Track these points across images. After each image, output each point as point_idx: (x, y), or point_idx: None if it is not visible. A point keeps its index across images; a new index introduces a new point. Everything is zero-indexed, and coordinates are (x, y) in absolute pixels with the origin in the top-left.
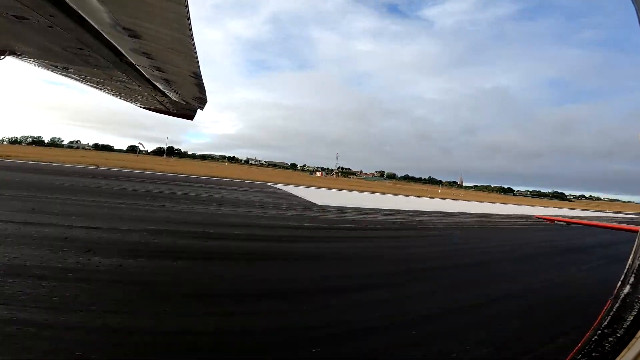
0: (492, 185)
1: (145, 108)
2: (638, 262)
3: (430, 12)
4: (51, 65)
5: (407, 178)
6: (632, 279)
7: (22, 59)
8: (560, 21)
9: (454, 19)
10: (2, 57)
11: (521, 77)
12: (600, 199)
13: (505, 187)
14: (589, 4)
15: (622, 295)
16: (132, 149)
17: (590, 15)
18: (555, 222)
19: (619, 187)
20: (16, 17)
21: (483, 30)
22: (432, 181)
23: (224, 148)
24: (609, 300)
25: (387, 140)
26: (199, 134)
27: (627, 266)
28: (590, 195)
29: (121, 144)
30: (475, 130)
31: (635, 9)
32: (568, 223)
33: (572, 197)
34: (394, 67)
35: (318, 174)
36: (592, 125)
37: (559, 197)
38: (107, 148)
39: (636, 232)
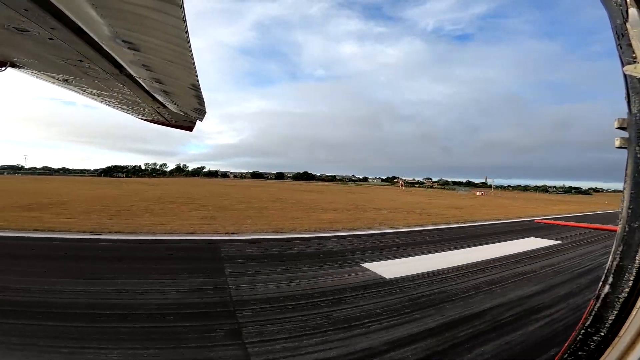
0: (521, 184)
1: (145, 120)
2: (616, 263)
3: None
4: (51, 77)
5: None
6: (611, 279)
7: (22, 71)
8: (573, 37)
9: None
10: (4, 68)
11: (528, 81)
12: (603, 189)
13: (527, 184)
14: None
15: (603, 295)
16: (279, 175)
17: (600, 32)
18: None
19: (606, 174)
20: (17, 29)
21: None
22: (469, 184)
23: (223, 157)
24: (592, 300)
25: (390, 143)
26: (199, 145)
27: (607, 266)
28: (596, 187)
29: (132, 159)
30: (479, 129)
31: (609, 16)
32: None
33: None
34: (388, 70)
35: (478, 192)
36: (588, 121)
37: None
38: (259, 175)
39: (615, 231)
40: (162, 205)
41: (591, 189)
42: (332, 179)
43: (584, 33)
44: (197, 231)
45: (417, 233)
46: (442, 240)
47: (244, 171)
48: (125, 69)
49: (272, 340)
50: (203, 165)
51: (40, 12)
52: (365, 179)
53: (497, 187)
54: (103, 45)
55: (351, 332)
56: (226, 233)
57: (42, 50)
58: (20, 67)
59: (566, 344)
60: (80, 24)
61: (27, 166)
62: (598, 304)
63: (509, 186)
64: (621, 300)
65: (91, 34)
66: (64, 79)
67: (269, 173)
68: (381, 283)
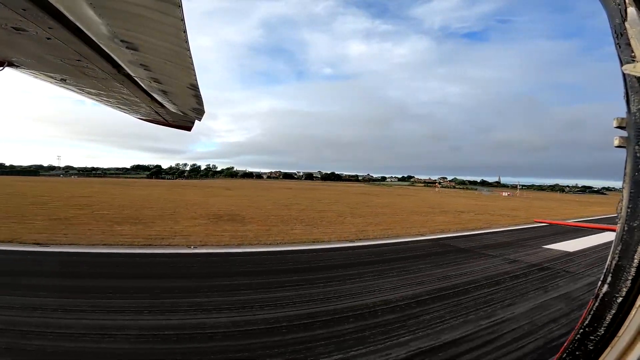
0: (532, 183)
1: (144, 120)
2: (615, 262)
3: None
4: (49, 76)
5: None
6: (609, 278)
7: (20, 70)
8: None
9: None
10: (1, 68)
11: (541, 82)
12: (615, 188)
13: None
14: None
15: (601, 295)
16: (309, 176)
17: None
18: (554, 224)
19: (616, 173)
20: (15, 28)
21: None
22: (484, 183)
23: (229, 155)
24: (591, 300)
25: (399, 142)
26: (206, 143)
27: (606, 265)
28: (608, 186)
29: (140, 157)
30: (490, 129)
31: (607, 16)
32: (562, 225)
33: (595, 188)
34: (395, 69)
35: (505, 193)
36: (600, 121)
37: (590, 190)
38: (289, 176)
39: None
40: (308, 214)
41: (604, 188)
42: (356, 178)
43: (598, 34)
44: (400, 234)
45: (530, 230)
46: (554, 233)
47: (267, 170)
48: (123, 68)
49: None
50: (209, 162)
51: (39, 12)
52: (383, 179)
53: (521, 187)
54: (101, 45)
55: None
56: (417, 234)
57: (40, 50)
58: (18, 66)
59: (564, 345)
60: (78, 24)
61: (51, 167)
62: (597, 304)
63: (523, 186)
64: (619, 300)
65: (89, 34)
66: (62, 79)
67: (297, 173)
68: (571, 254)
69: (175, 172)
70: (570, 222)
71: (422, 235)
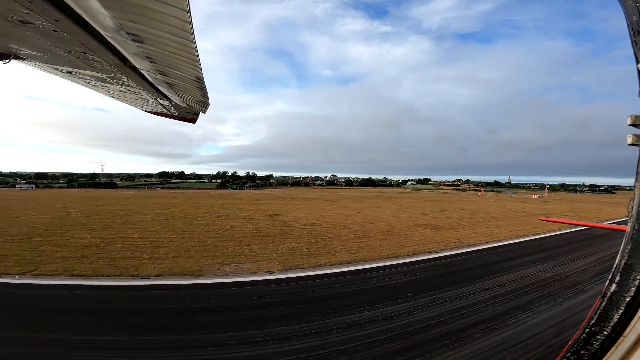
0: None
1: (149, 112)
2: (624, 261)
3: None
4: (55, 69)
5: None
6: (618, 278)
7: (26, 63)
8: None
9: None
10: (7, 60)
11: (555, 84)
12: (621, 186)
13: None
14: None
15: (609, 294)
16: (349, 182)
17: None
18: (559, 223)
19: (622, 171)
20: (21, 21)
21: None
22: (497, 184)
23: (234, 159)
24: (598, 299)
25: (406, 143)
26: (211, 147)
27: (614, 265)
28: (614, 184)
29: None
30: (497, 129)
31: (625, 14)
32: (569, 224)
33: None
34: (398, 70)
35: (534, 195)
36: (607, 120)
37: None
38: (332, 183)
39: (624, 231)
40: (461, 221)
41: (611, 186)
42: (386, 183)
43: (608, 36)
44: (550, 231)
45: (614, 225)
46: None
47: (307, 174)
48: (129, 61)
49: None
50: (212, 167)
51: (45, 4)
52: (404, 182)
53: (548, 189)
54: (107, 38)
55: None
56: (557, 230)
57: (45, 43)
58: (24, 59)
59: (569, 343)
60: (84, 16)
61: (94, 175)
62: (604, 303)
63: (535, 185)
64: (627, 299)
65: (95, 26)
66: (67, 71)
67: (338, 179)
68: None
69: (239, 182)
70: (572, 221)
71: (561, 230)
